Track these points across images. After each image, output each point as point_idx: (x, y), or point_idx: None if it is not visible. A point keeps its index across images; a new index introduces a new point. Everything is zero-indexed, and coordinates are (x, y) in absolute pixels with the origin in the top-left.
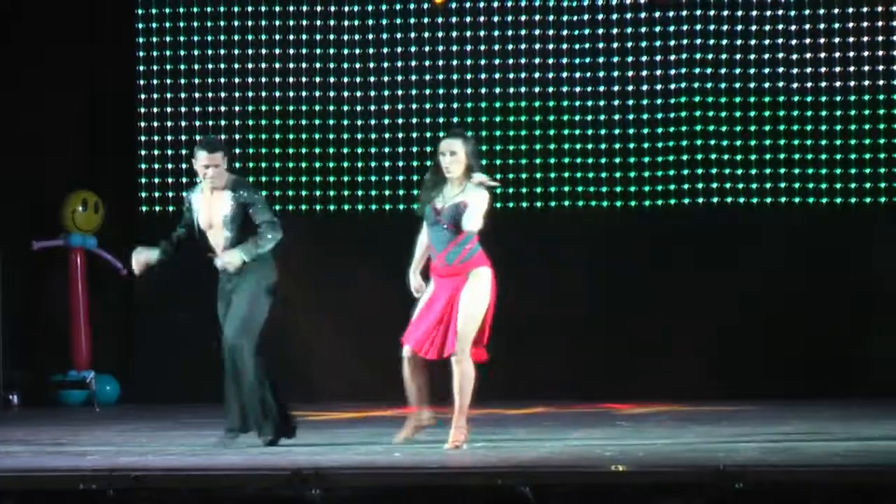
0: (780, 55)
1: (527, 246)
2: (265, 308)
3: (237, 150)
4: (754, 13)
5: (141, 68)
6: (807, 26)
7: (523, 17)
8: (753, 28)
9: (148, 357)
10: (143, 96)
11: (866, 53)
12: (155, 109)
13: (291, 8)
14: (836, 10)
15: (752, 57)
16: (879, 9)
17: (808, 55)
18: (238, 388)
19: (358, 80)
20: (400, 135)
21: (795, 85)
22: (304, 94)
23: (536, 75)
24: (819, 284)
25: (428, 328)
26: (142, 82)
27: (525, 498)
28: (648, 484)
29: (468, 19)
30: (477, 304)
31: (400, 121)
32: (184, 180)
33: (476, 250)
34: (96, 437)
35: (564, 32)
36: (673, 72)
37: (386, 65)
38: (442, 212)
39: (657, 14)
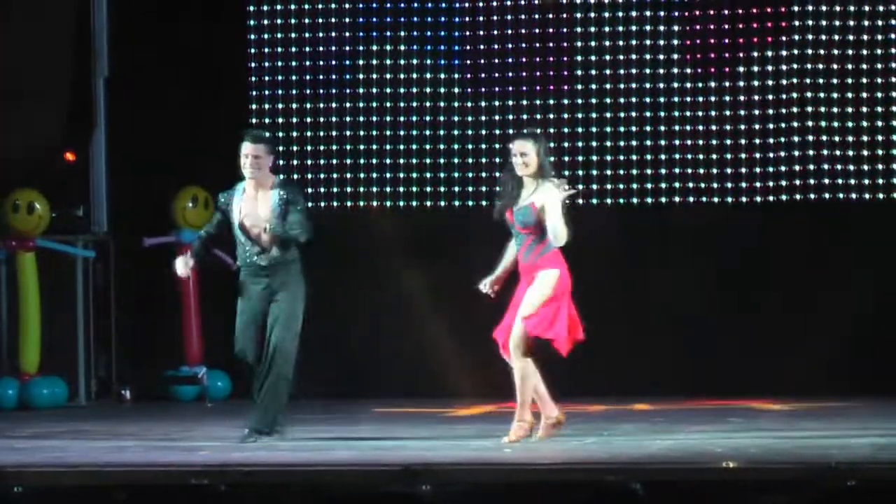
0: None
1: (639, 243)
2: (302, 312)
3: (347, 147)
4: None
5: (252, 65)
6: None
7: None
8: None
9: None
10: (253, 93)
11: None
12: (266, 106)
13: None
14: None
15: (865, 52)
16: None
17: None
18: (271, 388)
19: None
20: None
21: None
22: (408, 89)
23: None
24: None
25: (506, 325)
26: (253, 79)
27: (635, 494)
28: (759, 481)
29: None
30: (547, 304)
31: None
32: (294, 175)
33: (548, 250)
34: (208, 432)
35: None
36: (784, 67)
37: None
38: (514, 214)
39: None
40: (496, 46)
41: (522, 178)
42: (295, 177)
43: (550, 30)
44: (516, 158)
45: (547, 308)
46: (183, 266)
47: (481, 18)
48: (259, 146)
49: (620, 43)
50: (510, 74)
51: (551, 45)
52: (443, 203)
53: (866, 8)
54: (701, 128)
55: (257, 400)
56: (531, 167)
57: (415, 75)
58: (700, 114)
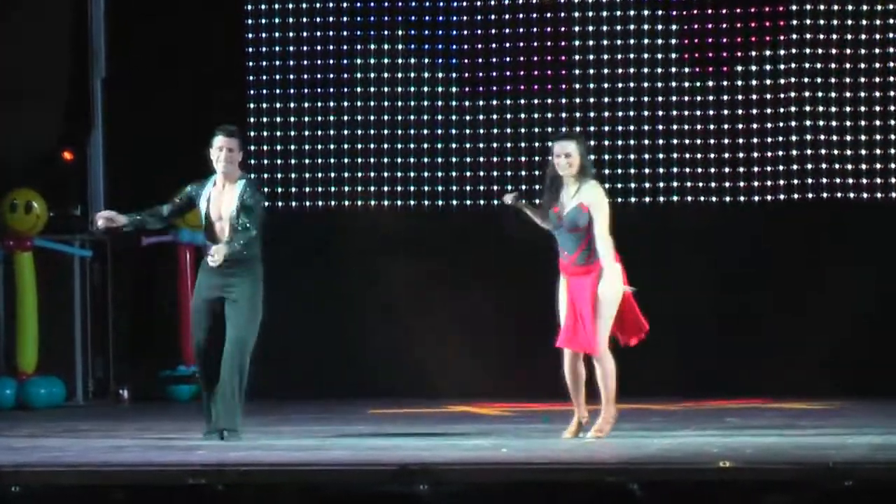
0: None
1: (637, 242)
2: (261, 309)
3: (345, 146)
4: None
5: (250, 64)
6: None
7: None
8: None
9: (256, 352)
10: (251, 92)
11: None
12: (264, 104)
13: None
14: None
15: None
16: None
17: None
18: (233, 384)
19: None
20: (467, 131)
21: None
22: (405, 88)
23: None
24: None
25: (571, 325)
26: (251, 78)
27: (633, 495)
28: (757, 481)
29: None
30: (607, 303)
31: (494, 116)
32: (293, 176)
33: (598, 253)
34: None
35: (673, 27)
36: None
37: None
38: (563, 217)
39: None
40: (494, 45)
41: (564, 178)
42: (292, 176)
43: (549, 28)
44: (560, 159)
45: (624, 304)
46: (109, 216)
47: (479, 17)
48: (233, 140)
49: (618, 42)
50: (508, 73)
51: (550, 43)
52: (440, 202)
53: (864, 7)
54: (699, 127)
55: (215, 396)
56: (574, 167)
57: (412, 74)
58: (699, 113)
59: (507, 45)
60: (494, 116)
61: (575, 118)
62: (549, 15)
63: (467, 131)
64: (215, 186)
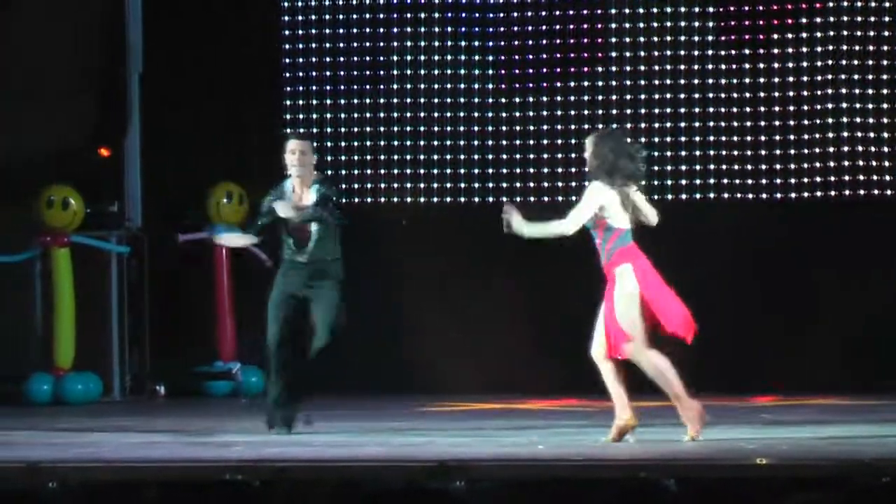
0: None
1: (660, 238)
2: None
3: (382, 143)
4: None
5: (286, 61)
6: None
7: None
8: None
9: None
10: (287, 88)
11: None
12: (300, 102)
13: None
14: None
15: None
16: None
17: None
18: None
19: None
20: (504, 127)
21: None
22: (448, 85)
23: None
24: None
25: (599, 330)
26: (287, 75)
27: (668, 490)
28: (793, 478)
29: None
30: (624, 303)
31: (531, 113)
32: (328, 172)
33: (617, 247)
34: (242, 427)
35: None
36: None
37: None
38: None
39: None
40: (530, 42)
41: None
42: (329, 173)
43: (584, 24)
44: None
45: (651, 303)
46: (242, 241)
47: (515, 14)
48: (304, 143)
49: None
50: (543, 70)
51: (586, 39)
52: (477, 199)
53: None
54: (712, 124)
55: (284, 390)
56: (587, 165)
57: (448, 71)
58: (727, 110)
59: (543, 40)
60: (530, 113)
61: (597, 115)
62: (584, 11)
63: (505, 127)
64: (294, 192)
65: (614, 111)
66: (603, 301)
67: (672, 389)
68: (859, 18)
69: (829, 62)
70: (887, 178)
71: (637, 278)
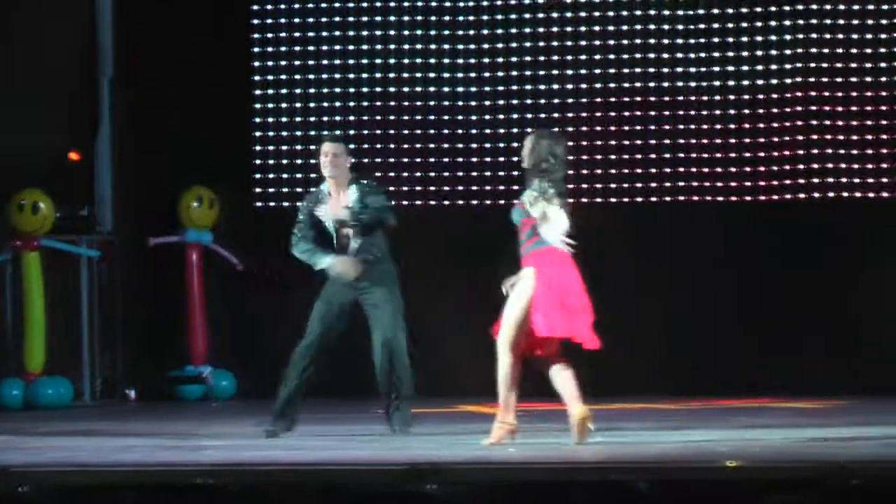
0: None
1: (637, 239)
2: (402, 305)
3: (353, 145)
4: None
5: (257, 64)
6: None
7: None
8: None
9: (264, 352)
10: (257, 92)
11: None
12: (270, 105)
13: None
14: None
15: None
16: None
17: None
18: (404, 383)
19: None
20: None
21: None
22: (431, 88)
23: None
24: None
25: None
26: (257, 78)
27: (640, 493)
28: (765, 480)
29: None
30: (515, 299)
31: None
32: (298, 176)
33: (532, 249)
34: (214, 431)
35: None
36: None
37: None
38: (512, 217)
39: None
40: (503, 45)
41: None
42: (299, 176)
43: (553, 27)
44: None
45: (529, 312)
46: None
47: (486, 17)
48: (337, 145)
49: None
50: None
51: (555, 42)
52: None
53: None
54: (694, 126)
55: (295, 396)
56: (524, 164)
57: (418, 74)
58: (704, 112)
59: (515, 44)
60: (501, 116)
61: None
62: (553, 14)
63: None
64: (330, 195)
65: (584, 113)
66: None
67: (501, 395)
68: (829, 21)
69: (800, 64)
70: (857, 180)
71: (536, 284)
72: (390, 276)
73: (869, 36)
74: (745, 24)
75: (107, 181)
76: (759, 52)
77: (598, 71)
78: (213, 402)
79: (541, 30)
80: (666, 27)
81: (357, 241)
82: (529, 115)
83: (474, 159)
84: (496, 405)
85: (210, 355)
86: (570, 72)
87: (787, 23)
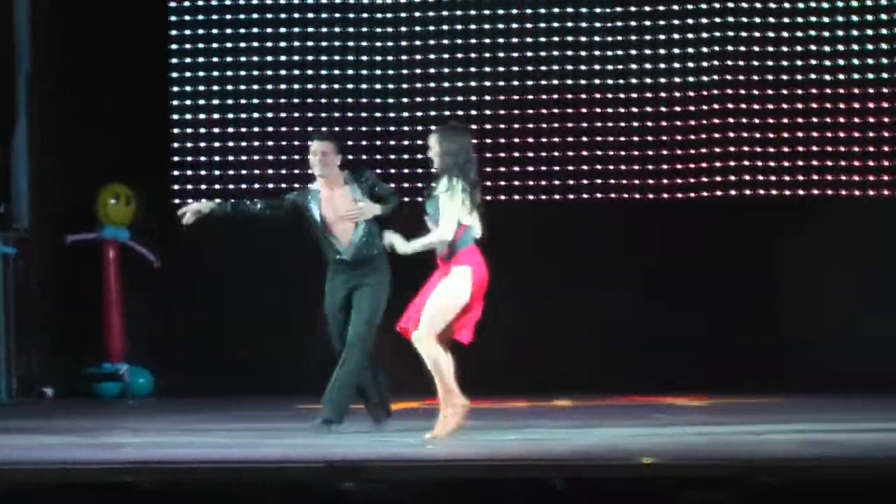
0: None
1: (552, 240)
2: (384, 303)
3: (271, 142)
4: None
5: (174, 61)
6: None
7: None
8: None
9: (181, 349)
10: (175, 89)
11: None
12: (187, 102)
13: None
14: None
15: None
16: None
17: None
18: (343, 377)
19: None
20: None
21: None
22: (335, 85)
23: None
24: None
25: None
26: (174, 75)
27: (556, 490)
28: (679, 478)
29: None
30: (448, 296)
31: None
32: (216, 172)
33: (461, 247)
34: (130, 429)
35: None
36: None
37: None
38: (427, 209)
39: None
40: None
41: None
42: (216, 173)
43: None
44: (429, 152)
45: (464, 308)
46: (196, 209)
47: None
48: (324, 143)
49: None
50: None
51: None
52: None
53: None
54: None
55: (328, 389)
56: (435, 162)
57: (336, 71)
58: (634, 110)
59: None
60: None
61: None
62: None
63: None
64: (322, 195)
65: (501, 111)
66: (427, 287)
67: (446, 386)
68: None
69: (716, 62)
70: (773, 178)
71: (472, 283)
72: (381, 273)
73: (780, 35)
74: (661, 23)
75: (23, 178)
76: (676, 51)
77: (515, 69)
78: (130, 399)
79: (458, 27)
80: (584, 25)
81: (360, 236)
82: (447, 112)
83: (392, 156)
84: (431, 400)
85: (127, 353)
86: (487, 69)
87: (704, 21)
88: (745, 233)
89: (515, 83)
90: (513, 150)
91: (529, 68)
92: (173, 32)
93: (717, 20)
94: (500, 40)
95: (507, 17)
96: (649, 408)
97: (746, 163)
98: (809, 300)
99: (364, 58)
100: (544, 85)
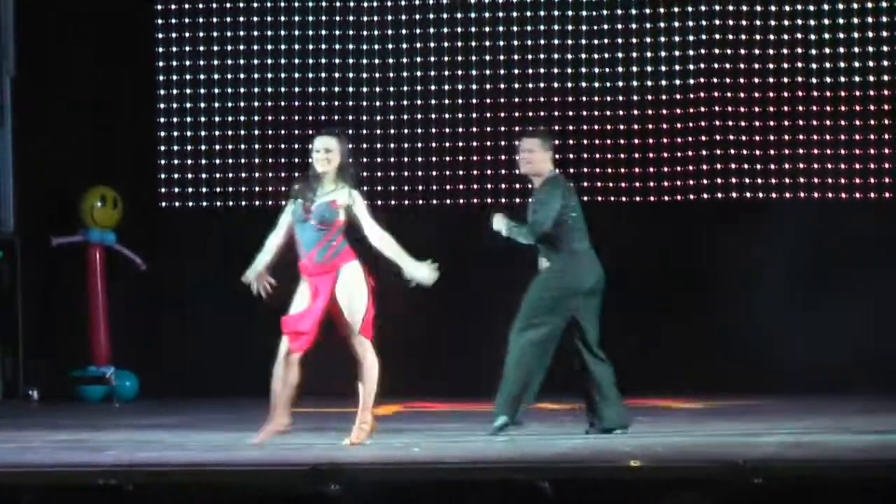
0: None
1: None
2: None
3: (257, 145)
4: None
5: (161, 64)
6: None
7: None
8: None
9: (167, 352)
10: (162, 92)
11: None
12: (174, 104)
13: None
14: None
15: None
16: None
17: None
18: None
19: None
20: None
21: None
22: (323, 88)
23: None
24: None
25: (312, 327)
26: (161, 78)
27: (543, 493)
28: (667, 479)
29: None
30: (358, 294)
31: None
32: (203, 175)
33: (343, 246)
34: (116, 432)
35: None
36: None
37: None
38: (312, 210)
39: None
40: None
41: (322, 175)
42: (203, 176)
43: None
44: (318, 154)
45: (368, 302)
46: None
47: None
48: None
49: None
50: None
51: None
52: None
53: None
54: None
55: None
56: (333, 164)
57: (323, 74)
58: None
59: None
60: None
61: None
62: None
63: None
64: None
65: (488, 113)
66: (315, 294)
67: (371, 396)
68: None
69: (703, 65)
70: (747, 180)
71: (365, 279)
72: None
73: (763, 36)
74: (648, 25)
75: (9, 180)
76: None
77: (502, 71)
78: (116, 402)
79: (445, 30)
80: (570, 27)
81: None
82: (434, 116)
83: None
84: (381, 406)
85: (113, 356)
86: (474, 72)
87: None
88: (722, 234)
89: (501, 86)
90: (501, 153)
91: (524, 71)
92: (160, 35)
93: (704, 22)
94: (484, 43)
95: (493, 19)
96: (635, 410)
97: (719, 166)
98: (780, 303)
99: (351, 60)
100: (531, 88)
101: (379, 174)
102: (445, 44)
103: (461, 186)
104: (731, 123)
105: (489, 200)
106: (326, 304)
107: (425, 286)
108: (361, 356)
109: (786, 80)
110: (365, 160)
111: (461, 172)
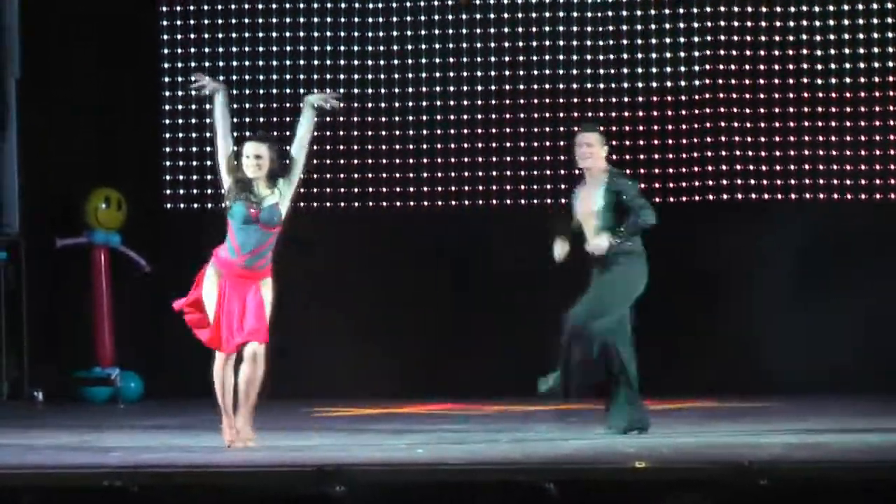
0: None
1: (536, 244)
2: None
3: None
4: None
5: (165, 65)
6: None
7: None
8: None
9: (172, 354)
10: (167, 93)
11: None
12: (179, 106)
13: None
14: None
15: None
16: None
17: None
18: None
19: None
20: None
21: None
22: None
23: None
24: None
25: (231, 328)
26: (166, 80)
27: (548, 494)
28: (672, 481)
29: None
30: (270, 309)
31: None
32: (208, 177)
33: (270, 259)
34: (120, 433)
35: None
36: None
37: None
38: (259, 213)
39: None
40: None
41: (254, 180)
42: (207, 178)
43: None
44: (249, 160)
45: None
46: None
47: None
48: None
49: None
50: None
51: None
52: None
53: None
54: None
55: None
56: (264, 169)
57: (328, 76)
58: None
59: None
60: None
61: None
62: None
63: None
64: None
65: (493, 115)
66: (232, 297)
67: (252, 401)
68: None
69: (708, 66)
70: (740, 181)
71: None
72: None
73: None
74: (652, 26)
75: (14, 182)
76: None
77: (507, 72)
78: (121, 403)
79: (449, 31)
80: (574, 28)
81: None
82: (425, 117)
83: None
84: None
85: (117, 357)
86: (477, 73)
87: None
88: (725, 235)
89: (506, 87)
90: (505, 155)
91: (530, 72)
92: (164, 36)
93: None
94: (486, 44)
95: (494, 19)
96: None
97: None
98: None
99: (355, 62)
100: (535, 89)
101: (380, 175)
102: (449, 45)
103: (466, 188)
104: (735, 125)
105: (494, 202)
106: (244, 306)
107: (333, 108)
108: (256, 361)
109: (791, 81)
110: (368, 161)
111: (466, 174)
